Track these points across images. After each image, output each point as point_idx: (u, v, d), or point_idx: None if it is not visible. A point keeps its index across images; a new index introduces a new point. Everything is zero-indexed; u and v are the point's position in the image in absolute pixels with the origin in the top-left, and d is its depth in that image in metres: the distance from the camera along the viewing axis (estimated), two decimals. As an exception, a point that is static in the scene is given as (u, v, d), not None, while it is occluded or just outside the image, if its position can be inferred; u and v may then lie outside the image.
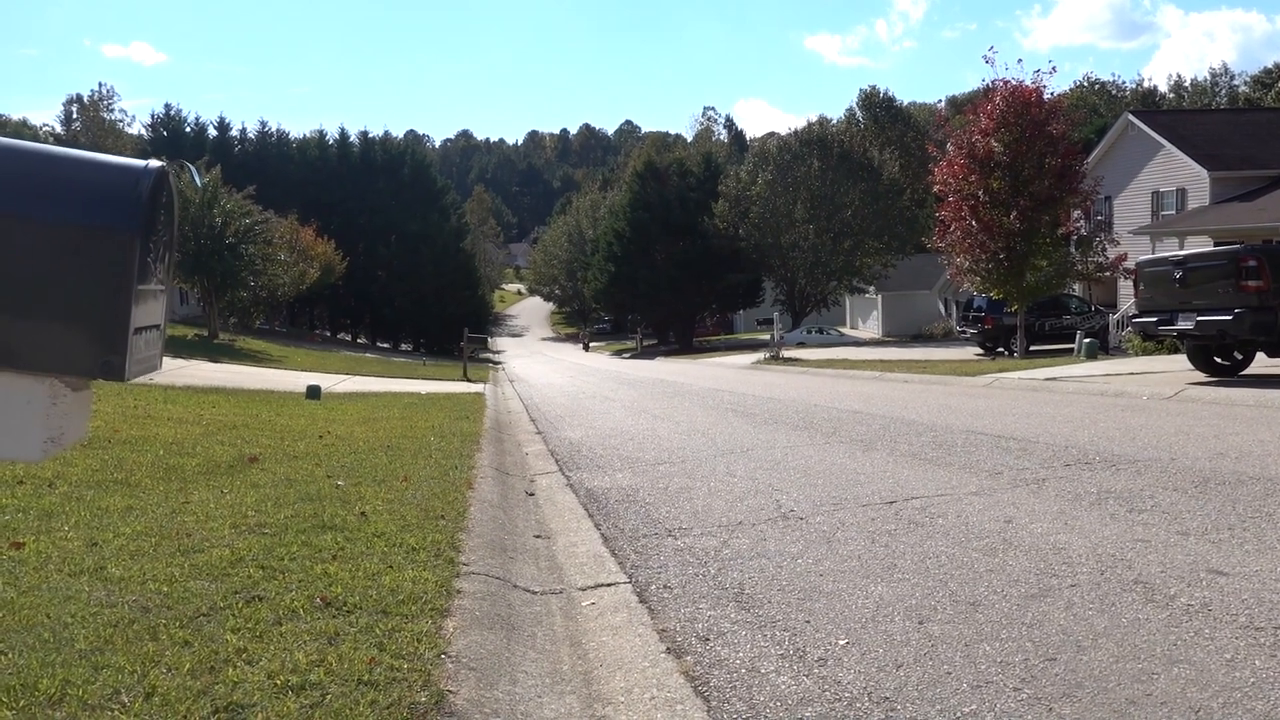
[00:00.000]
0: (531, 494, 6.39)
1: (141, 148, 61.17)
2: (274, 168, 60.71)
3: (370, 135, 69.34)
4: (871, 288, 56.53)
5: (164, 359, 1.55)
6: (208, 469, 5.97)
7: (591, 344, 67.18)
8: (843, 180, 53.75)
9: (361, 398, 14.80)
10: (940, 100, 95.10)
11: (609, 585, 3.91)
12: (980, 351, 29.31)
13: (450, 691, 2.46)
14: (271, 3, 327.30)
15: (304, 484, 5.50)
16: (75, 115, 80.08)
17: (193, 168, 33.38)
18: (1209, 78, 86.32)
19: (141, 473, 5.62)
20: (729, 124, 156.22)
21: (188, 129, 65.10)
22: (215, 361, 22.52)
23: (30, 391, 1.32)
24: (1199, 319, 11.13)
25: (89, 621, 2.86)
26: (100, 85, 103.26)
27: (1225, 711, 2.38)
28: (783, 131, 69.11)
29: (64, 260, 1.26)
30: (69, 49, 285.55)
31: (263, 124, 70.94)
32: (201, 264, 31.03)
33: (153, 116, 67.74)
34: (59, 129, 79.60)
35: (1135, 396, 10.97)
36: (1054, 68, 33.32)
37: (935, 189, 26.23)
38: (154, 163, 1.35)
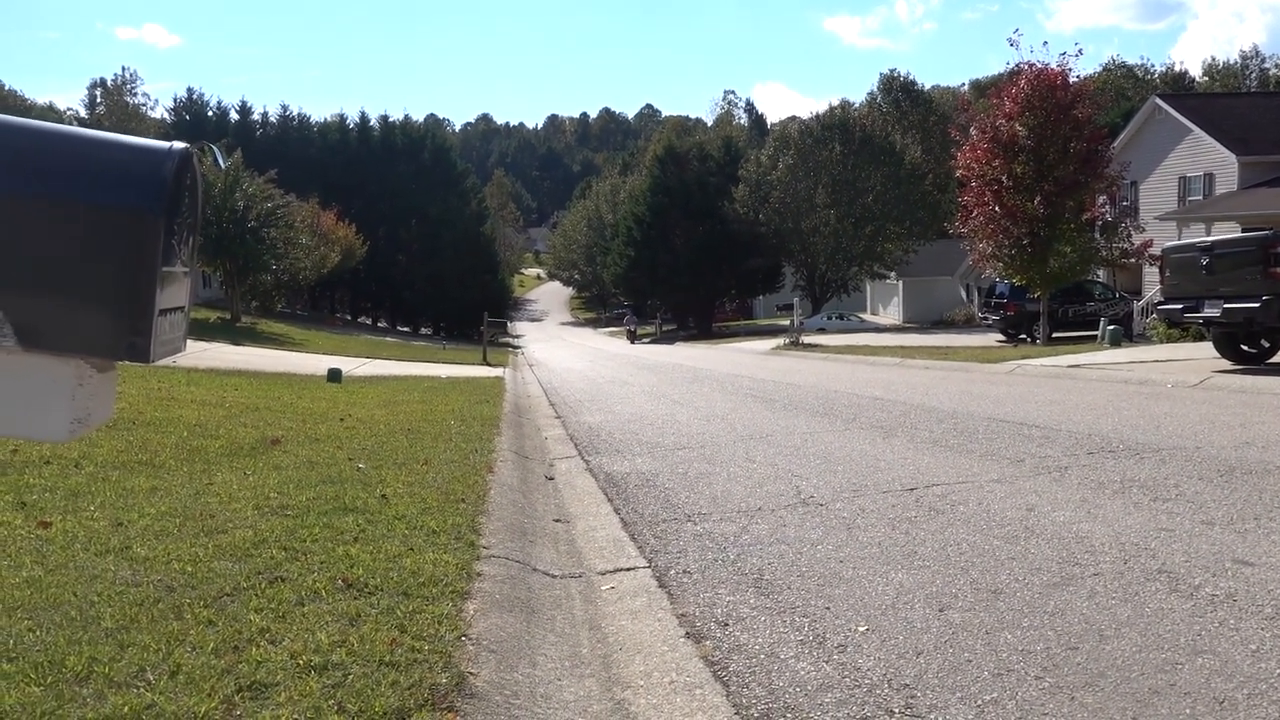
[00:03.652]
0: (551, 478, 6.41)
1: (164, 132, 61.53)
2: (295, 151, 60.98)
3: (390, 119, 69.49)
4: (893, 273, 56.09)
5: (187, 341, 1.56)
6: (231, 451, 6.02)
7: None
8: (864, 165, 53.26)
9: (382, 381, 14.88)
10: (962, 84, 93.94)
11: (628, 570, 3.92)
12: (1002, 338, 29.09)
13: (471, 673, 2.48)
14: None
15: (326, 466, 5.54)
16: (99, 99, 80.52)
17: (215, 148, 33.49)
18: (1239, 60, 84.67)
19: (166, 454, 5.68)
20: (749, 108, 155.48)
21: (210, 113, 65.53)
22: (237, 345, 22.69)
23: (57, 372, 1.33)
24: (1226, 306, 10.98)
25: (115, 600, 2.89)
26: (123, 69, 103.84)
27: (1250, 702, 2.35)
28: (802, 115, 68.47)
29: (88, 242, 1.26)
30: (84, 31, 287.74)
31: (284, 108, 71.16)
32: (224, 247, 31.23)
33: (175, 100, 68.30)
34: (83, 113, 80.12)
35: (1160, 384, 10.85)
36: (1080, 50, 32.81)
37: (958, 174, 26.02)
38: (178, 144, 1.35)
